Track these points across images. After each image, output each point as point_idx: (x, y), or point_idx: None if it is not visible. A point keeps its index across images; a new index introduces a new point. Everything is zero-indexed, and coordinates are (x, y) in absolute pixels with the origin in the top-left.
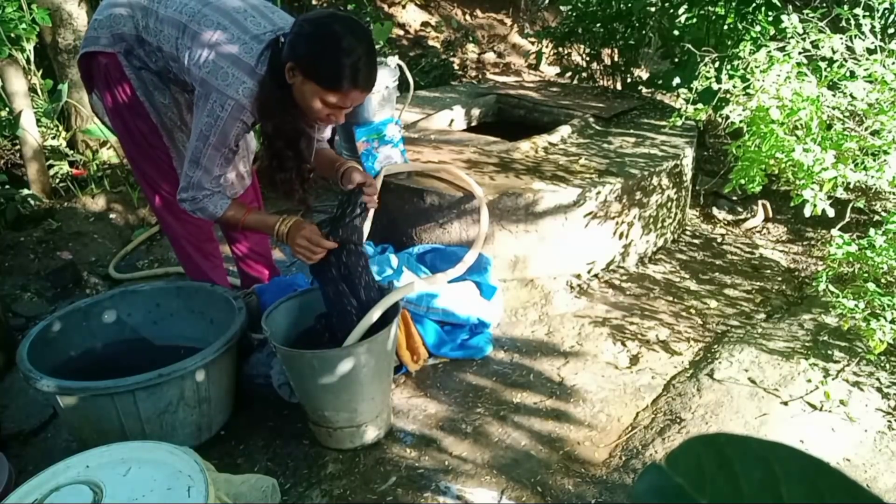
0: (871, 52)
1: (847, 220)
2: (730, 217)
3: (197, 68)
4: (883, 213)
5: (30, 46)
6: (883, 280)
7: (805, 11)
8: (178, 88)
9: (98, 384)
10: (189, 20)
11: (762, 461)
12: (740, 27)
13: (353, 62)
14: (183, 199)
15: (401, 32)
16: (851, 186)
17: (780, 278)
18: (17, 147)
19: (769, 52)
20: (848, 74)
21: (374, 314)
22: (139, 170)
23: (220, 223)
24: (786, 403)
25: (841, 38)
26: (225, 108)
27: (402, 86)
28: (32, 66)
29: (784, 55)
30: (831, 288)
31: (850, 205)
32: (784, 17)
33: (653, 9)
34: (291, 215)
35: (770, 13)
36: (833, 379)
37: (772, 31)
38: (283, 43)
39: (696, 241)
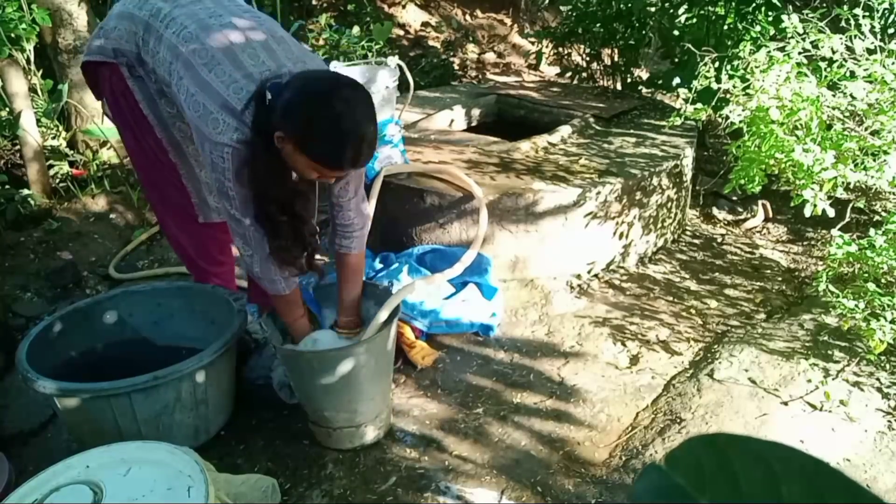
0: (871, 52)
1: (847, 220)
2: (730, 217)
3: (188, 108)
4: (883, 213)
5: (30, 46)
6: (883, 280)
7: (805, 11)
8: None
9: (94, 386)
10: (184, 46)
11: (762, 461)
12: (740, 27)
13: (355, 145)
14: (248, 263)
15: (401, 32)
16: (851, 186)
17: (780, 278)
18: (17, 147)
19: (769, 52)
20: (848, 74)
21: (382, 315)
22: (149, 183)
23: (277, 304)
24: (786, 403)
25: (841, 38)
26: (225, 158)
27: (402, 86)
28: (32, 67)
29: (784, 55)
30: (831, 288)
31: (850, 205)
32: (784, 17)
33: (653, 9)
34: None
35: (770, 13)
36: (833, 379)
37: (772, 31)
38: (269, 99)
39: (696, 241)
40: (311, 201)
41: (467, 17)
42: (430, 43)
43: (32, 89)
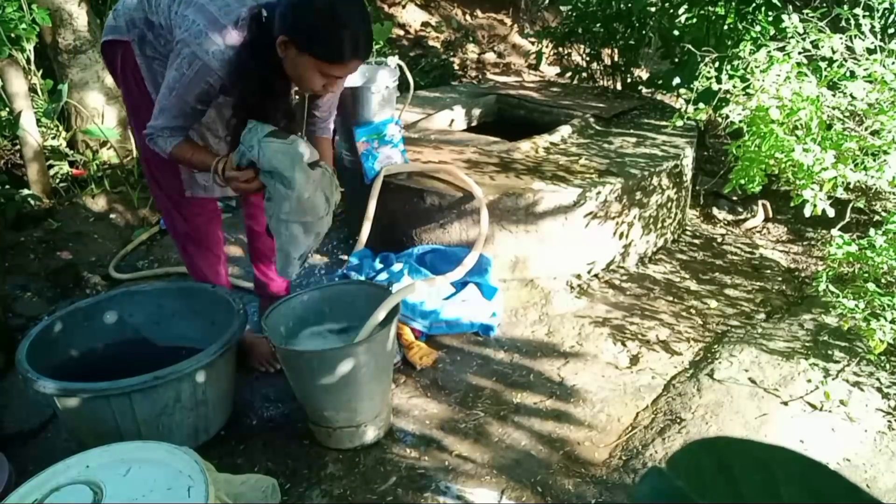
0: (871, 52)
1: (847, 220)
2: (730, 217)
3: (179, 29)
4: (883, 213)
5: (30, 46)
6: (883, 280)
7: (805, 11)
8: None
9: (93, 386)
10: None
11: (762, 464)
12: (740, 27)
13: (352, 33)
14: (147, 134)
15: (401, 32)
16: (851, 186)
17: (780, 278)
18: (18, 147)
19: (769, 52)
20: (848, 74)
21: (379, 314)
22: (146, 163)
23: (173, 159)
24: (786, 403)
25: (841, 38)
26: (192, 67)
27: (403, 86)
28: (32, 67)
29: (784, 55)
30: (831, 288)
31: (850, 205)
32: (784, 17)
33: (653, 9)
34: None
35: (770, 13)
36: (833, 379)
37: (772, 31)
38: (266, 17)
39: (696, 241)
40: (296, 123)
41: (467, 17)
42: (430, 43)
43: (32, 89)
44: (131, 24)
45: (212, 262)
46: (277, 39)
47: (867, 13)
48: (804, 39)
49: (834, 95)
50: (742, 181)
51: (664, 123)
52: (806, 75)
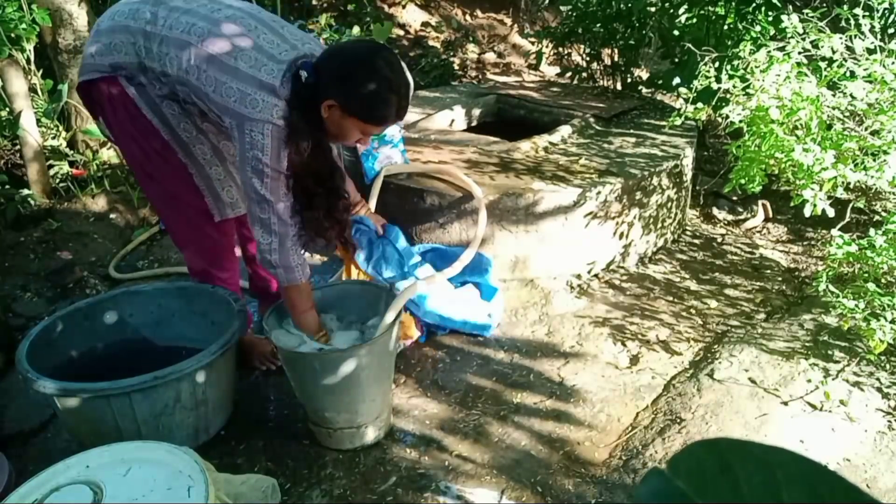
0: (870, 52)
1: (847, 220)
2: (730, 217)
3: (220, 96)
4: (883, 213)
5: (30, 46)
6: (883, 280)
7: (805, 11)
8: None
9: (93, 386)
10: (200, 41)
11: (763, 465)
12: (740, 27)
13: (399, 99)
14: (265, 250)
15: (401, 32)
16: (851, 186)
17: (780, 278)
18: (18, 147)
19: (769, 52)
20: (848, 74)
21: (389, 317)
22: (161, 190)
23: (289, 294)
24: (786, 403)
25: (841, 38)
26: (265, 135)
27: None
28: (32, 67)
29: (784, 55)
30: (831, 288)
31: (850, 205)
32: (784, 17)
33: (653, 9)
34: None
35: (770, 13)
36: (833, 379)
37: (772, 31)
38: (306, 77)
39: (696, 241)
40: (344, 177)
41: (467, 17)
42: (430, 43)
43: (32, 89)
44: (117, 66)
45: (236, 280)
46: (324, 102)
47: (867, 13)
48: (804, 39)
49: (834, 95)
50: (742, 181)
51: (664, 123)
52: (806, 75)
